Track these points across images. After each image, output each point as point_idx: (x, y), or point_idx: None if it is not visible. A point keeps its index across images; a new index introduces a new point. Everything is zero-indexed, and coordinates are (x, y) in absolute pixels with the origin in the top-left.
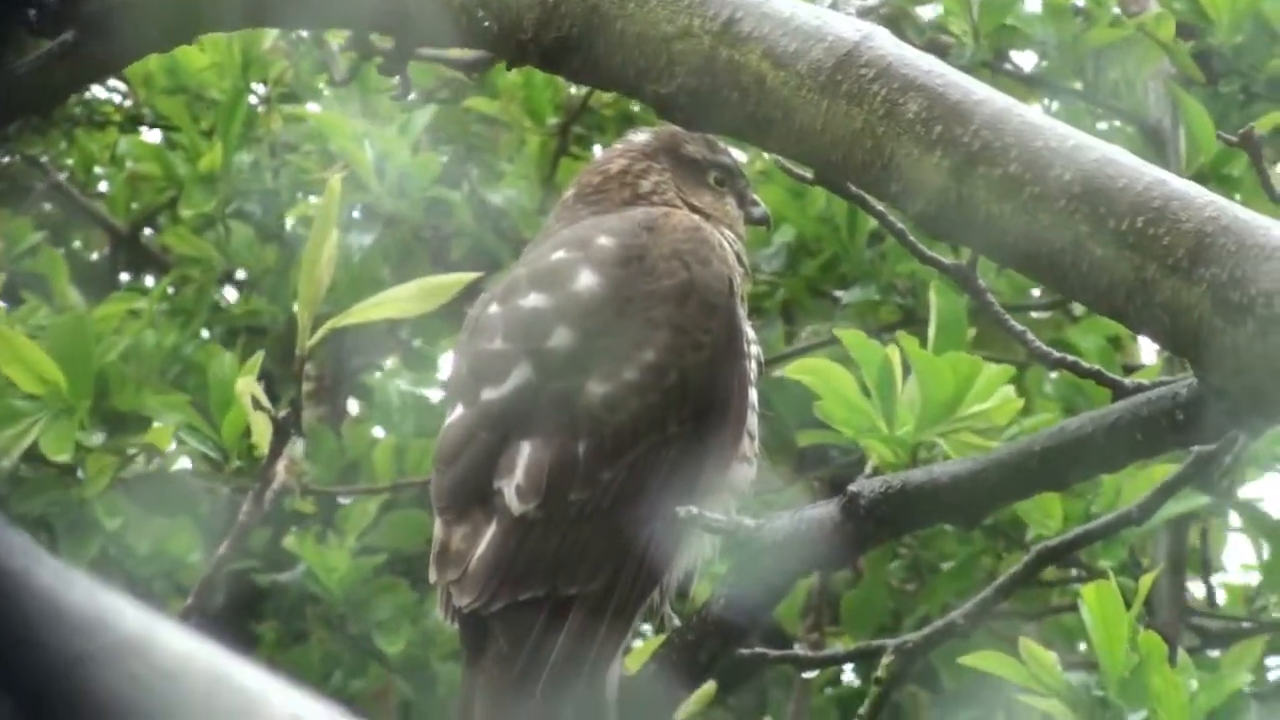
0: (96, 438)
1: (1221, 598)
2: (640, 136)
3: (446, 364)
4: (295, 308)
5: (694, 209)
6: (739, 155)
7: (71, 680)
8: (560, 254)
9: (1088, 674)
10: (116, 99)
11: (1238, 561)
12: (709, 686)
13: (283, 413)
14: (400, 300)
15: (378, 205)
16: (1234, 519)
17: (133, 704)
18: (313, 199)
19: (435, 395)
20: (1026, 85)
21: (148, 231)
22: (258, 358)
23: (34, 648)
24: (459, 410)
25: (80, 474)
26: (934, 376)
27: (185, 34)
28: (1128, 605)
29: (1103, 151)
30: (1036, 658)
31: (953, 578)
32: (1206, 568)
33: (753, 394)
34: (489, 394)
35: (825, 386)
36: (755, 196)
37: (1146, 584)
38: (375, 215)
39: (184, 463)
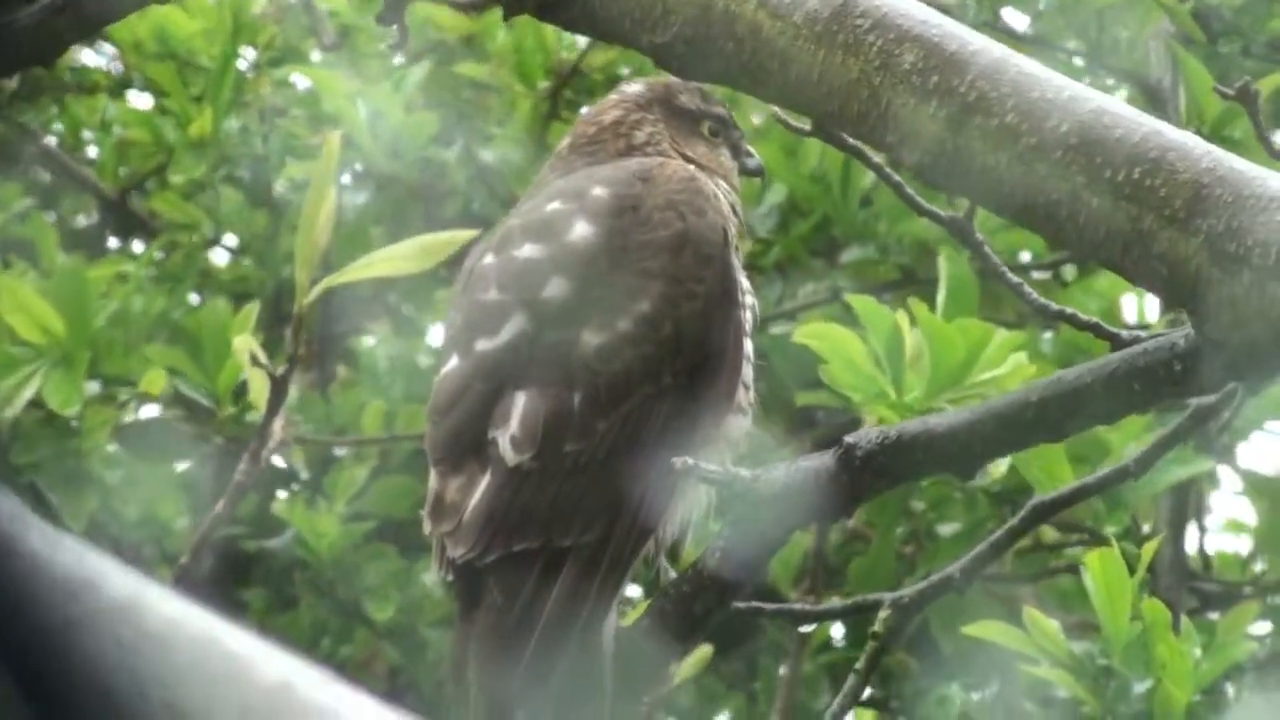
0: (92, 386)
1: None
2: (634, 87)
3: (434, 329)
4: (287, 271)
5: (688, 159)
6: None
7: (61, 644)
8: (555, 204)
9: (1090, 642)
10: (105, 64)
11: (1231, 519)
12: (704, 650)
13: (280, 370)
14: (396, 259)
15: (371, 165)
16: (1227, 479)
17: (122, 668)
18: (304, 162)
19: (423, 359)
20: (1027, 46)
21: (136, 196)
22: (252, 309)
23: (23, 612)
24: (454, 361)
25: (75, 425)
26: (945, 343)
27: None
28: (1130, 570)
29: (1099, 102)
30: (1040, 627)
31: (956, 542)
32: (1201, 528)
33: (748, 345)
34: (484, 344)
35: (832, 351)
36: (749, 148)
37: (1149, 551)
38: (368, 175)
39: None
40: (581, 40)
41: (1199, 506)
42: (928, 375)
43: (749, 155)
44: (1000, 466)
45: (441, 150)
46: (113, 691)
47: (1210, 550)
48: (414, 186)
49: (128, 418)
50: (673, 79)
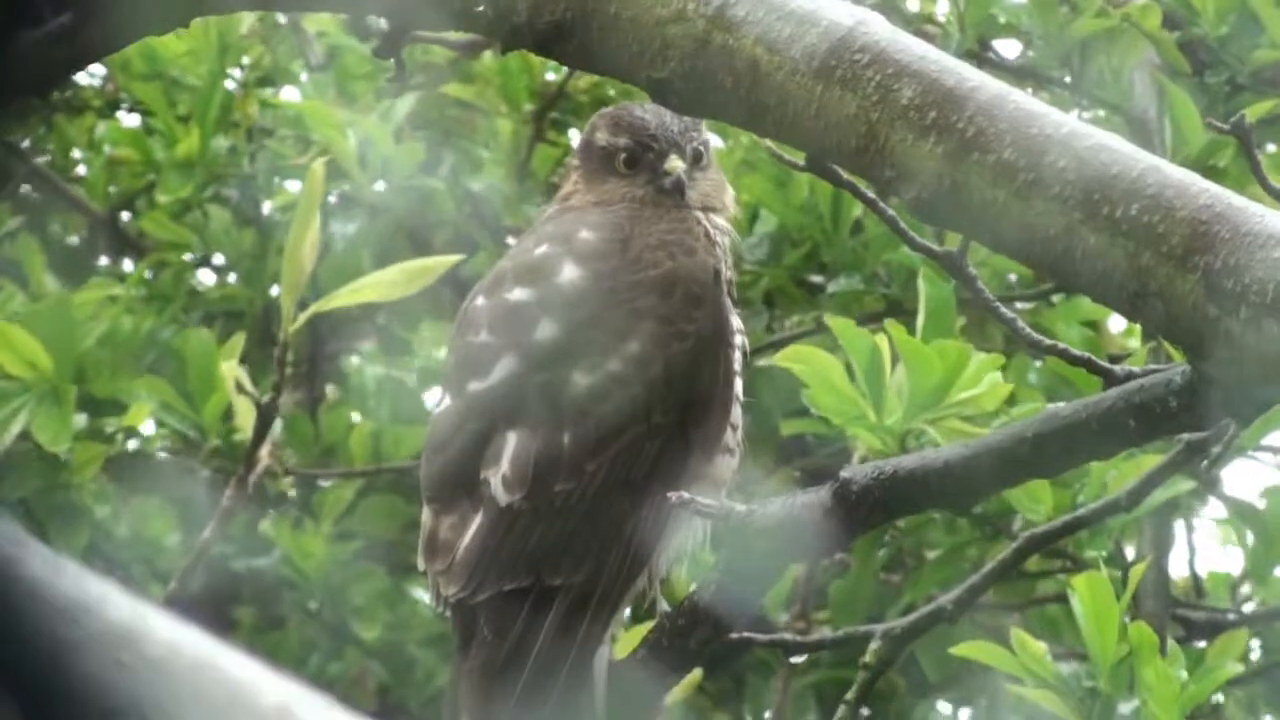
0: (79, 420)
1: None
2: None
3: (422, 347)
4: (275, 291)
5: (597, 204)
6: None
7: (61, 668)
8: (544, 248)
9: (1078, 664)
10: (95, 83)
11: (1219, 549)
12: (695, 673)
13: (266, 397)
14: (382, 284)
15: (361, 194)
16: (1215, 508)
17: (122, 692)
18: (291, 185)
19: (411, 380)
20: (1013, 76)
21: (126, 216)
22: (238, 339)
23: (23, 635)
24: (447, 400)
25: (65, 459)
26: (923, 364)
27: (185, 17)
28: (1115, 593)
29: (1098, 139)
30: (1027, 648)
31: (938, 567)
32: (1191, 557)
33: (738, 384)
34: (475, 385)
35: (813, 375)
36: (668, 166)
37: (1137, 575)
38: (357, 204)
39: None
40: None
41: (1189, 534)
42: (906, 397)
43: (665, 175)
44: None
45: (430, 179)
46: (113, 715)
47: (1200, 573)
48: (403, 215)
49: (116, 450)
50: (605, 112)
